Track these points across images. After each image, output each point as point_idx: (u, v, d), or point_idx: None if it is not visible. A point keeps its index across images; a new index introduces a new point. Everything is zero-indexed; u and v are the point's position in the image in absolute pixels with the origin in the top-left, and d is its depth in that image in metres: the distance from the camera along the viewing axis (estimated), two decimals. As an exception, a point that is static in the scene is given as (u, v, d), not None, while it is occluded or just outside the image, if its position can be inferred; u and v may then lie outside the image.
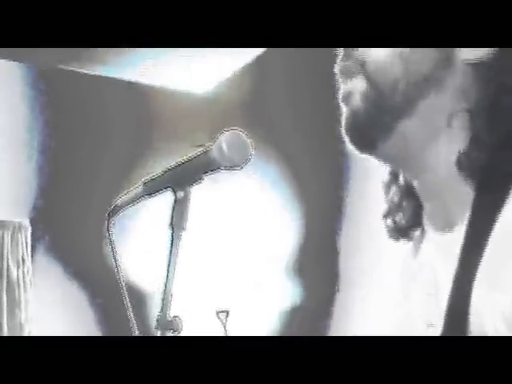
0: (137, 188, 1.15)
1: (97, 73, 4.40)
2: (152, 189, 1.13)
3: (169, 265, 1.07)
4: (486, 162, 0.85)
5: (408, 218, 0.99)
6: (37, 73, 4.29)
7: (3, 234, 4.00)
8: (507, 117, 0.86)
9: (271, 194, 4.32)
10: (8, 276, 3.91)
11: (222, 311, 4.26)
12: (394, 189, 1.01)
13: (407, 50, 0.89)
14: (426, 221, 0.98)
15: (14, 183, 4.17)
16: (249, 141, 1.09)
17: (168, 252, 1.08)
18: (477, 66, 0.89)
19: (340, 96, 0.94)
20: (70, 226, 4.12)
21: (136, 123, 4.52)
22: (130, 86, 4.56)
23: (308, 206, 4.07)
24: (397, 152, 0.93)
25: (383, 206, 1.02)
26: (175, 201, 1.09)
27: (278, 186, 4.26)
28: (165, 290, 1.07)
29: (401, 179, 1.00)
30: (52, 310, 4.00)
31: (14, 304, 3.90)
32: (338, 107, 0.96)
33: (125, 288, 1.14)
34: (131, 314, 1.13)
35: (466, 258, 0.85)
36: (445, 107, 0.89)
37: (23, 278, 3.94)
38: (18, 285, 3.92)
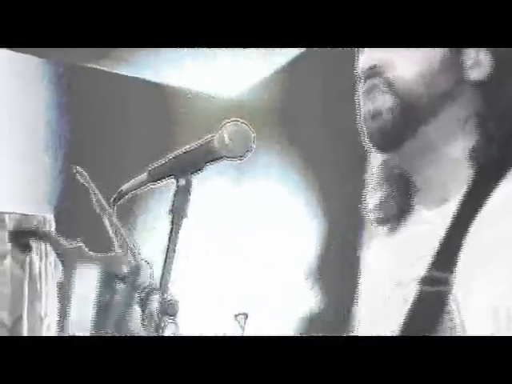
0: (141, 175, 1.18)
1: (121, 72, 4.44)
2: (155, 176, 1.16)
3: (167, 250, 1.09)
4: (494, 155, 1.04)
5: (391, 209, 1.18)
6: (61, 71, 4.34)
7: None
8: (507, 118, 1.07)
9: (295, 200, 4.32)
10: (30, 268, 3.96)
11: (241, 314, 4.25)
12: (386, 184, 1.19)
13: (429, 71, 1.09)
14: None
15: (38, 180, 4.23)
16: (250, 132, 1.11)
17: (167, 238, 1.10)
18: (482, 83, 1.09)
19: (366, 111, 1.12)
20: (93, 221, 4.15)
21: (159, 124, 4.54)
22: (155, 86, 4.59)
23: (331, 213, 4.07)
24: (415, 152, 1.11)
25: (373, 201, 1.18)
26: (177, 188, 1.12)
27: (302, 192, 4.27)
28: (162, 275, 1.09)
29: (395, 174, 1.15)
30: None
31: (34, 296, 3.95)
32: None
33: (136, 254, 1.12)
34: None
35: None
36: (456, 114, 1.10)
37: (45, 270, 3.99)
38: (40, 277, 3.96)
